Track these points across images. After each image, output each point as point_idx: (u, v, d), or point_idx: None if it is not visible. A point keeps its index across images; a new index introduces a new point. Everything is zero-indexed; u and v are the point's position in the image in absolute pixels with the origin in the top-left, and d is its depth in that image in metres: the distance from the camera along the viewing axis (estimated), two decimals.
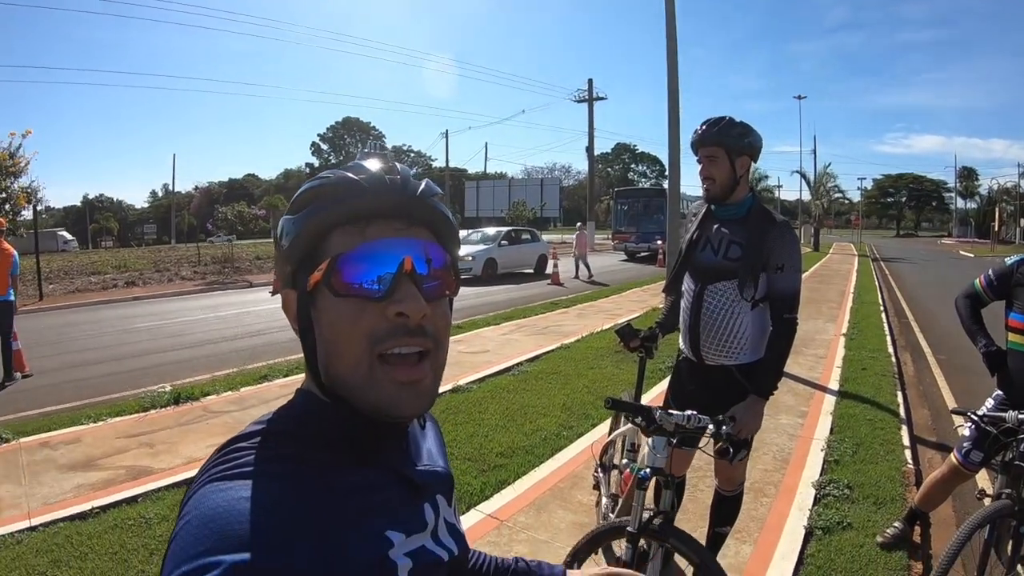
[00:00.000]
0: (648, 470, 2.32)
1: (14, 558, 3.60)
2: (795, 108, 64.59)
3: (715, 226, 2.88)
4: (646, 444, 2.41)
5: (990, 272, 3.33)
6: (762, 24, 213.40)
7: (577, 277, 21.23)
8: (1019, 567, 2.92)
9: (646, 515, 2.29)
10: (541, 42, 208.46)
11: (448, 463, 0.98)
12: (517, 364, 8.21)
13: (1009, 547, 2.93)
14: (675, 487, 3.11)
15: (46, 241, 48.97)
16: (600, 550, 2.59)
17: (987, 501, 2.97)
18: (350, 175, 0.79)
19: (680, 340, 3.10)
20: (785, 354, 2.78)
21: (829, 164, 54.15)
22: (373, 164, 0.81)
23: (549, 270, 21.26)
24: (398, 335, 0.75)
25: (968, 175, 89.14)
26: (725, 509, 3.15)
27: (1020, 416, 2.86)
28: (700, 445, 2.63)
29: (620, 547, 2.64)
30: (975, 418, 3.07)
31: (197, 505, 0.66)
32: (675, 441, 2.32)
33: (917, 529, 3.79)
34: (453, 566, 0.85)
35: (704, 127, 2.79)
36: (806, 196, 53.26)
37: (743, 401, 2.76)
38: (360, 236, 0.77)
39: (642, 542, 2.29)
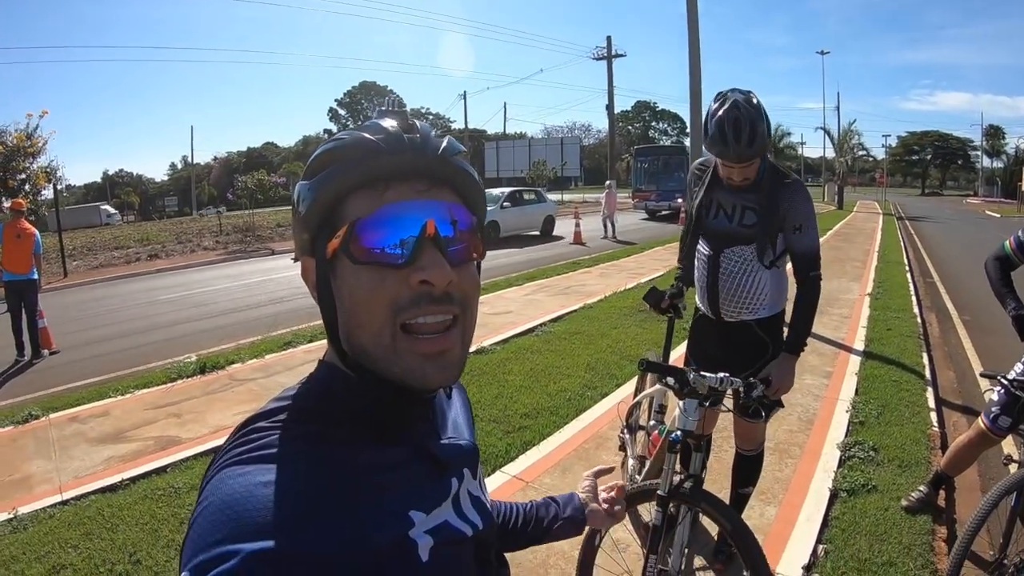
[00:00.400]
0: (679, 433, 2.29)
1: (47, 532, 3.68)
2: (818, 64, 63.23)
3: (725, 191, 2.80)
4: (677, 406, 2.39)
5: (1020, 233, 3.22)
6: None
7: (607, 237, 20.87)
8: None
9: (676, 479, 2.28)
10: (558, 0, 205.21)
11: (474, 434, 0.96)
12: (540, 325, 8.22)
13: None
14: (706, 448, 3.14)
15: (89, 215, 49.86)
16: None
17: (1014, 467, 2.95)
18: (367, 135, 0.75)
19: (696, 298, 3.08)
20: (813, 311, 2.77)
21: (854, 121, 53.15)
22: (391, 123, 0.77)
23: (570, 230, 20.98)
24: (422, 304, 0.72)
25: (995, 133, 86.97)
26: (746, 470, 3.14)
27: None
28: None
29: (647, 510, 2.65)
30: (1005, 382, 3.03)
31: (215, 490, 0.65)
32: (707, 404, 2.29)
33: (942, 493, 3.75)
34: (479, 541, 0.83)
35: (734, 141, 2.51)
36: (830, 153, 52.70)
37: (766, 357, 2.76)
38: (379, 200, 0.74)
39: (671, 505, 2.29)
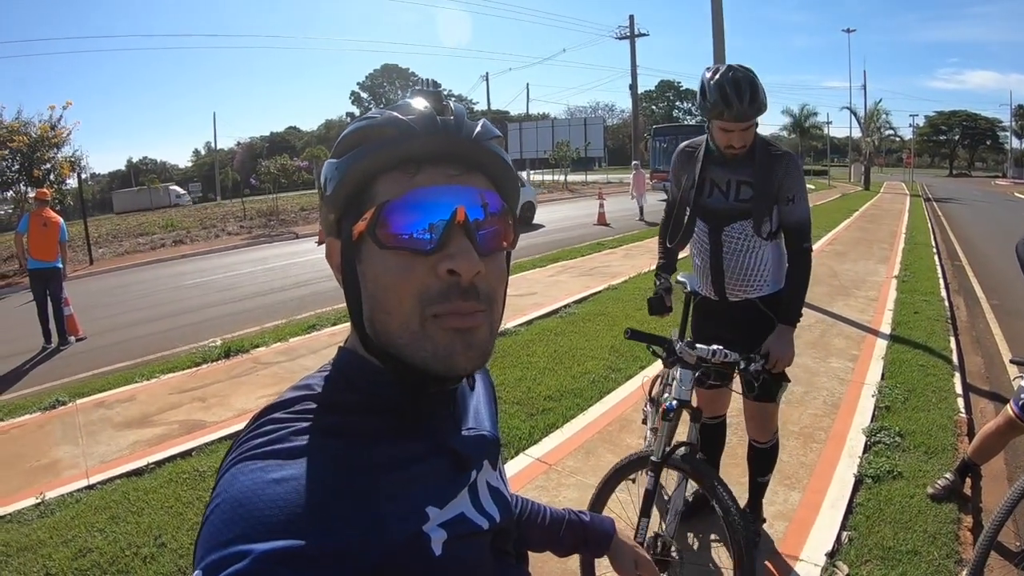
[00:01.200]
0: (675, 402, 2.37)
1: (74, 516, 3.74)
2: (843, 42, 62.28)
3: (718, 168, 2.78)
4: (674, 376, 2.45)
5: None
6: None
7: (641, 219, 20.38)
8: None
9: (681, 448, 2.36)
10: None
11: (497, 423, 0.95)
12: (564, 306, 8.19)
13: None
14: (717, 427, 3.13)
15: (158, 196, 50.57)
16: (635, 480, 2.61)
17: None
18: (398, 115, 0.73)
19: (691, 283, 3.07)
20: (806, 283, 2.78)
21: (880, 101, 52.52)
22: (423, 103, 0.75)
23: (592, 211, 20.80)
24: (451, 297, 0.70)
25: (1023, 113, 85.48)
26: (760, 460, 3.12)
27: None
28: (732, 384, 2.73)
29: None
30: None
31: (228, 486, 0.64)
32: (698, 375, 2.39)
33: (968, 482, 3.69)
34: (497, 532, 0.82)
35: (736, 100, 2.51)
36: (856, 133, 52.03)
37: (771, 334, 2.74)
38: (409, 182, 0.72)
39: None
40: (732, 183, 2.76)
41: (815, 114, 52.74)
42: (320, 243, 0.82)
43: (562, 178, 41.98)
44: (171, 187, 56.31)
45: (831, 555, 3.06)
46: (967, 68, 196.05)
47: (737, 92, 2.49)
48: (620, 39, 45.98)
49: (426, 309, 0.70)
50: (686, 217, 2.93)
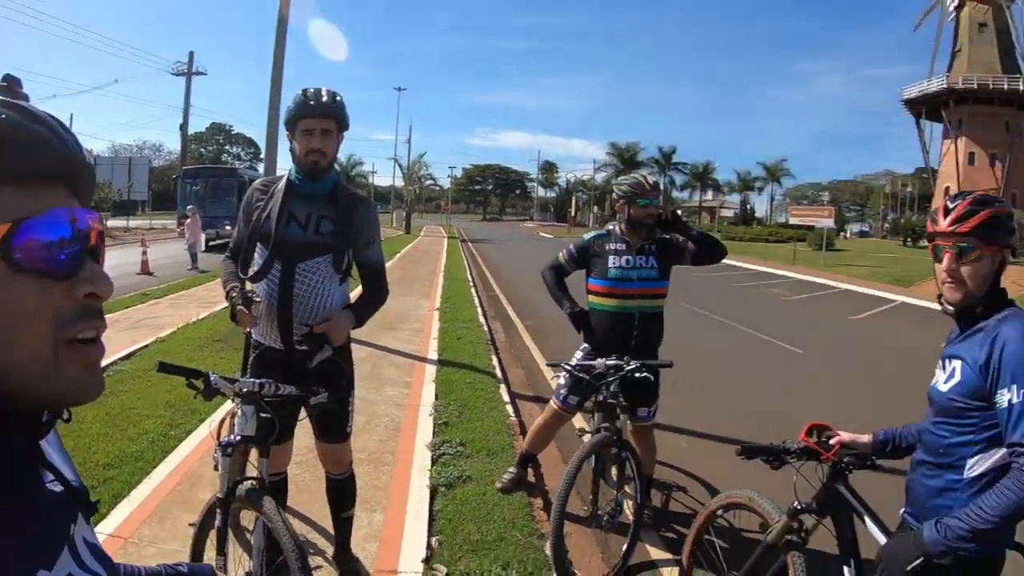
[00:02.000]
0: (237, 437, 2.35)
1: None
2: (395, 99, 67.69)
3: (298, 201, 2.71)
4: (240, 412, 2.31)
5: (571, 247, 3.81)
6: (374, 18, 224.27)
7: (194, 268, 18.05)
8: (625, 487, 3.35)
9: (246, 483, 2.31)
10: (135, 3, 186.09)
11: (76, 472, 0.80)
12: (111, 364, 7.05)
13: (615, 472, 3.36)
14: (278, 483, 2.94)
15: None
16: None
17: (586, 438, 3.35)
18: (29, 121, 0.63)
19: (256, 332, 2.79)
20: (377, 305, 2.90)
21: (424, 154, 58.06)
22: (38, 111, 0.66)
23: (137, 259, 18.52)
24: (89, 318, 0.65)
25: (549, 168, 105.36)
26: (340, 493, 3.02)
27: (607, 363, 3.35)
28: (300, 418, 2.77)
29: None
30: (568, 368, 3.52)
31: None
32: (259, 411, 2.36)
33: (530, 471, 4.15)
34: None
35: (316, 97, 2.63)
36: (399, 182, 56.49)
37: (343, 380, 2.81)
38: (38, 199, 0.63)
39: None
40: (312, 216, 2.69)
41: (361, 163, 55.96)
42: None
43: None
44: None
45: (427, 560, 3.12)
46: (502, 129, 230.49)
47: (315, 93, 2.66)
48: (177, 75, 42.91)
49: (60, 332, 0.63)
50: (256, 253, 2.73)
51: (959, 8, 48.57)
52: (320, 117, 2.61)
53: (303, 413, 2.77)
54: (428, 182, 57.03)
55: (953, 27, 49.83)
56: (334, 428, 2.81)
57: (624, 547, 3.23)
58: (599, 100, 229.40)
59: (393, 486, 3.95)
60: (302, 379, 2.59)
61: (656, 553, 3.54)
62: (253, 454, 2.59)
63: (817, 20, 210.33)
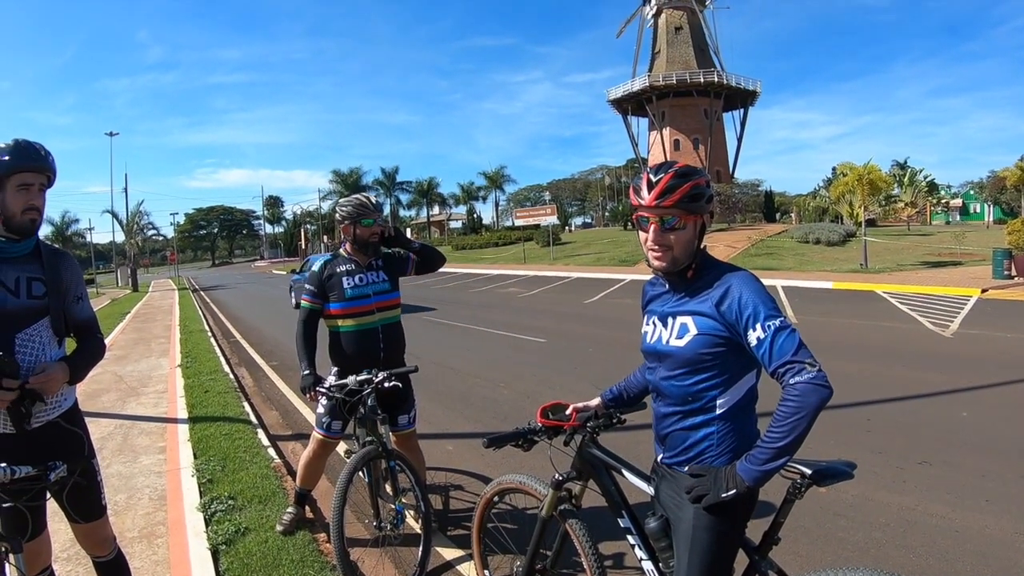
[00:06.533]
0: None
1: None
2: (107, 146, 60.54)
3: (3, 266, 2.48)
4: None
5: (308, 287, 3.85)
6: (77, 57, 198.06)
7: None
8: (403, 498, 3.56)
9: None
10: None
11: None
12: None
13: (388, 486, 3.56)
14: None
15: None
16: None
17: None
18: None
19: None
20: (96, 360, 2.69)
21: (142, 202, 53.12)
22: None
23: None
24: None
25: (274, 203, 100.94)
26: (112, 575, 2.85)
27: (358, 379, 3.52)
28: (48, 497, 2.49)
29: None
30: (323, 390, 3.62)
31: None
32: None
33: (307, 508, 4.19)
34: None
35: (31, 148, 2.42)
36: (120, 237, 50.80)
37: (84, 451, 2.61)
38: None
39: None
40: (22, 279, 2.47)
41: (76, 221, 49.85)
42: None
43: None
44: None
45: None
46: (223, 167, 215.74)
47: (30, 143, 2.42)
48: None
49: None
50: None
51: (657, 16, 55.52)
52: (37, 171, 2.41)
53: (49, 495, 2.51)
54: (151, 232, 52.10)
55: (652, 32, 56.85)
56: (87, 505, 2.59)
57: (419, 557, 3.40)
58: (318, 129, 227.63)
59: (173, 558, 3.76)
60: (36, 457, 2.36)
61: (450, 554, 3.77)
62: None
63: (520, 34, 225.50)
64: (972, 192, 72.58)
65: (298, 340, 3.80)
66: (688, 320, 1.96)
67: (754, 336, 1.82)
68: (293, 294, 23.52)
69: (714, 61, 55.53)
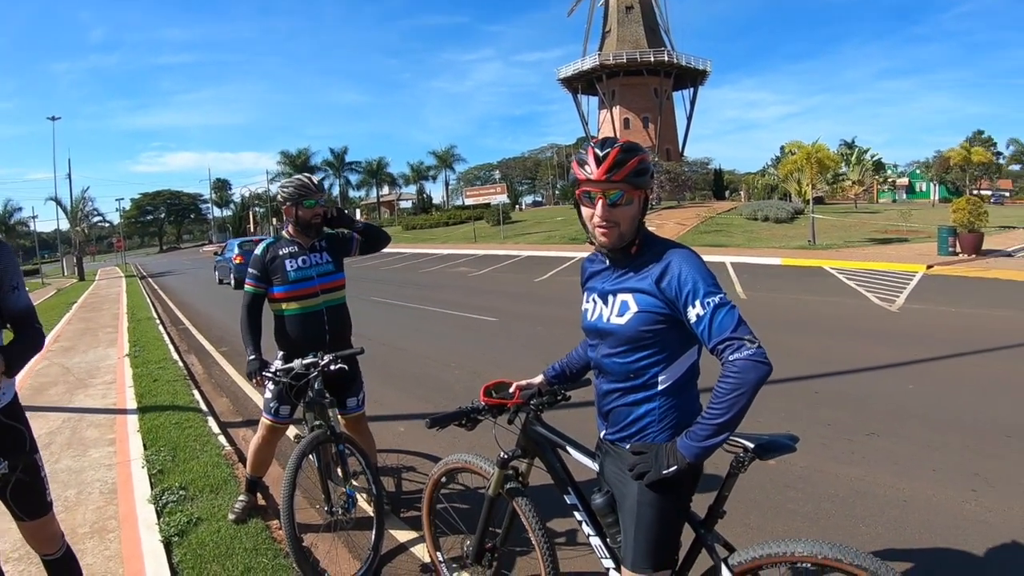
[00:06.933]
0: None
1: None
2: (50, 131, 58.50)
3: None
4: None
5: (251, 271, 3.78)
6: (17, 40, 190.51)
7: None
8: (354, 481, 3.56)
9: None
10: None
11: None
12: None
13: (339, 468, 3.56)
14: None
15: None
16: None
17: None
18: None
19: None
20: (32, 355, 2.60)
21: (87, 188, 51.60)
22: None
23: None
24: None
25: (222, 186, 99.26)
26: (65, 575, 2.78)
27: (303, 362, 3.50)
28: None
29: None
30: (270, 375, 3.60)
31: None
32: None
33: (259, 495, 4.17)
34: None
35: None
36: (64, 225, 49.34)
37: (26, 448, 2.52)
38: None
39: None
40: None
41: (20, 209, 48.28)
42: None
43: None
44: None
45: None
46: (168, 151, 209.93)
47: None
48: None
49: None
50: None
51: None
52: None
53: None
54: (96, 219, 50.59)
55: (603, 11, 56.78)
56: (31, 502, 2.53)
57: (372, 540, 3.40)
58: (267, 109, 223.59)
59: (125, 552, 3.70)
60: None
61: (404, 536, 3.80)
62: None
63: (469, 13, 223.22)
64: (918, 171, 74.58)
65: (243, 325, 3.77)
66: (629, 297, 1.97)
67: (693, 313, 1.83)
68: (217, 272, 24.47)
69: (664, 41, 55.96)
